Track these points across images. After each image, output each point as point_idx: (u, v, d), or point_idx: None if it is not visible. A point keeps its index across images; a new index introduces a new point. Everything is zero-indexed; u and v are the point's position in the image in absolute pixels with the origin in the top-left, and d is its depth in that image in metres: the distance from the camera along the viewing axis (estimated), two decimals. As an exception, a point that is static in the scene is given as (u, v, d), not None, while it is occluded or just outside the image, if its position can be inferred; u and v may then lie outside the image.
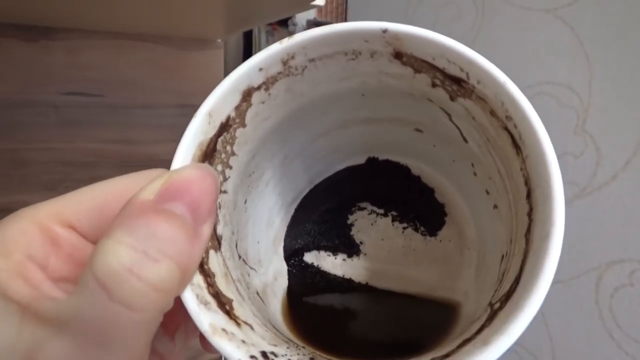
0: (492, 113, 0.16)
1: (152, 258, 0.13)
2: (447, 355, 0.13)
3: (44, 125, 0.43)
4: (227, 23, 0.44)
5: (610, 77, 0.32)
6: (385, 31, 0.16)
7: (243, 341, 0.14)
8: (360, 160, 0.26)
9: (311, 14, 1.39)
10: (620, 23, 0.31)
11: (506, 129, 0.15)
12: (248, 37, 1.39)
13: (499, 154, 0.17)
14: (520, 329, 0.12)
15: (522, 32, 0.39)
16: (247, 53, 1.40)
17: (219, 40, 0.52)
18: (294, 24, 1.38)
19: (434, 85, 0.17)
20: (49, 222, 0.16)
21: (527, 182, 0.15)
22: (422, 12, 0.52)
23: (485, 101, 0.16)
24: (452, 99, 0.17)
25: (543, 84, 0.37)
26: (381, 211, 0.26)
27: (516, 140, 0.15)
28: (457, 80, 0.16)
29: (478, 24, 0.43)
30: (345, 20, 0.65)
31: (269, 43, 1.41)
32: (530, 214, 0.14)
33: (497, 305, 0.14)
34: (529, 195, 0.15)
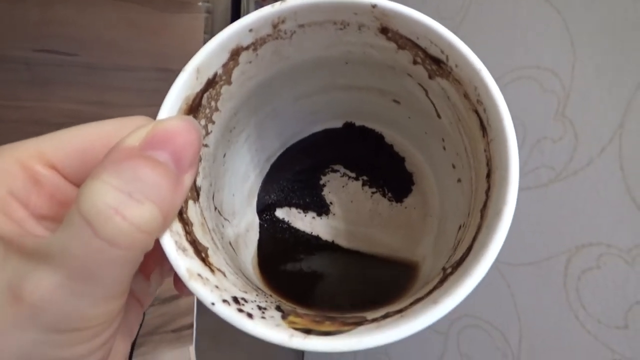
0: (466, 95, 0.17)
1: (136, 199, 0.13)
2: (401, 310, 0.15)
3: (14, 82, 0.41)
4: None
5: (593, 64, 0.32)
6: (374, 6, 0.16)
7: (216, 286, 0.15)
8: (338, 124, 0.27)
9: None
10: (607, 10, 0.31)
11: (476, 112, 0.16)
12: (237, 5, 1.33)
13: (468, 133, 0.18)
14: (466, 292, 0.14)
15: (510, 14, 0.39)
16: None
17: (200, 3, 0.51)
18: None
19: (414, 62, 0.18)
20: (30, 161, 0.16)
21: (488, 163, 0.16)
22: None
23: (461, 84, 0.17)
24: (430, 77, 0.18)
25: (527, 67, 0.38)
26: (353, 175, 0.28)
27: (484, 123, 0.16)
28: (437, 61, 0.17)
29: (467, 4, 0.43)
30: None
31: None
32: (487, 191, 0.16)
33: (449, 270, 0.16)
34: (489, 175, 0.16)
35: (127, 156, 0.14)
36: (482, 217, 0.16)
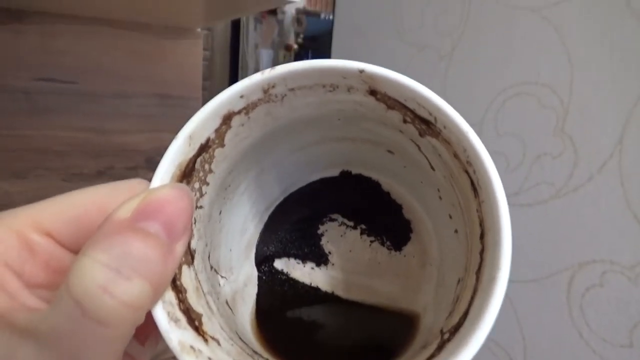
0: (455, 155, 0.17)
1: (125, 276, 0.13)
2: None
3: (14, 111, 0.41)
4: (207, 12, 0.44)
5: (591, 79, 0.32)
6: (362, 71, 0.17)
7: (209, 358, 0.15)
8: (334, 172, 0.27)
9: (300, 3, 1.38)
10: (603, 25, 0.31)
11: (467, 172, 0.16)
12: (236, 25, 1.37)
13: (461, 191, 0.18)
14: (464, 361, 0.14)
15: (508, 30, 0.39)
16: (235, 41, 1.38)
17: (199, 29, 0.52)
18: (283, 12, 1.37)
19: (405, 121, 0.18)
20: (26, 229, 0.16)
21: (481, 224, 0.16)
22: (409, 6, 0.52)
23: (450, 144, 0.17)
24: (421, 135, 0.18)
25: (525, 84, 0.37)
26: (351, 223, 0.28)
27: (475, 184, 0.16)
28: (426, 122, 0.17)
29: (464, 21, 0.43)
30: (334, 9, 0.65)
31: (257, 31, 1.39)
32: (482, 253, 0.16)
33: (446, 336, 0.15)
34: (482, 236, 0.16)
35: (117, 230, 0.14)
36: (477, 280, 0.16)
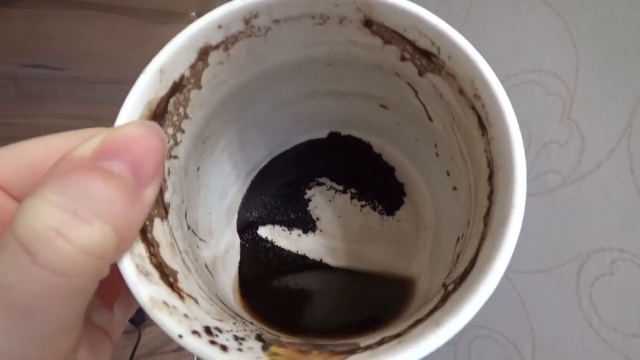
0: (461, 91, 0.15)
1: (83, 219, 0.11)
2: (398, 335, 0.13)
3: (3, 98, 0.40)
4: None
5: (597, 65, 0.32)
6: (356, -5, 0.15)
7: (185, 315, 0.13)
8: (322, 134, 0.26)
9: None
10: (608, 11, 0.30)
11: (474, 108, 0.15)
12: None
13: (464, 134, 0.16)
14: (473, 311, 0.12)
15: (512, 17, 0.38)
16: None
17: (193, 13, 0.50)
18: None
19: (403, 58, 0.16)
20: None
21: (490, 164, 0.14)
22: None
23: (455, 78, 0.15)
24: (420, 74, 0.17)
25: (530, 71, 0.37)
26: (340, 188, 0.26)
27: (483, 120, 0.14)
28: (427, 55, 0.15)
29: (466, 8, 0.42)
30: None
31: None
32: (490, 196, 0.14)
33: (450, 287, 0.14)
34: (490, 177, 0.14)
35: (74, 168, 0.12)
36: (485, 225, 0.14)
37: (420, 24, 0.15)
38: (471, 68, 0.14)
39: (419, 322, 0.13)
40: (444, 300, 0.14)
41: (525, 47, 0.37)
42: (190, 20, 0.49)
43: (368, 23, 0.16)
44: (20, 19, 0.40)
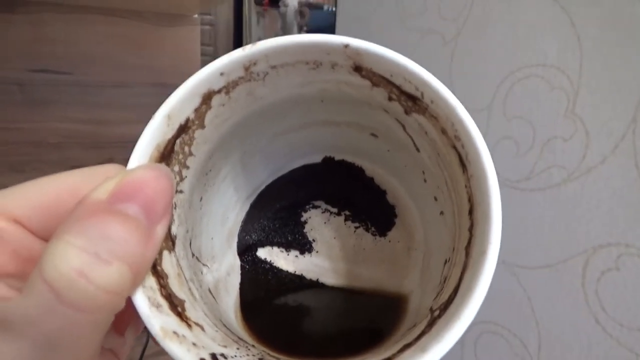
0: (443, 131, 0.16)
1: (103, 260, 0.13)
2: (388, 359, 0.14)
3: (8, 103, 0.40)
4: None
5: (601, 59, 0.31)
6: (346, 46, 0.16)
7: (194, 344, 0.15)
8: (317, 159, 0.27)
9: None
10: (612, 3, 0.30)
11: (455, 147, 0.16)
12: (239, 17, 1.35)
13: (448, 168, 0.18)
14: (456, 337, 0.13)
15: (514, 11, 0.38)
16: (238, 33, 1.36)
17: (195, 15, 0.50)
18: (285, 5, 1.34)
19: (390, 99, 0.18)
20: None
21: (470, 199, 0.16)
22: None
23: (437, 120, 0.16)
24: (406, 113, 0.18)
25: (533, 66, 0.36)
26: (335, 210, 0.27)
27: (463, 159, 0.16)
28: (413, 98, 0.17)
29: (469, 4, 0.42)
30: (336, 1, 0.64)
31: (259, 24, 1.37)
32: (471, 229, 0.15)
33: (436, 313, 0.15)
34: (471, 212, 0.16)
35: (93, 212, 0.13)
36: (467, 255, 0.15)
37: (405, 72, 0.16)
38: (451, 113, 0.15)
39: (407, 346, 0.15)
40: (430, 325, 0.15)
41: (528, 41, 0.37)
42: (192, 23, 0.50)
43: (358, 69, 0.17)
44: (24, 24, 0.41)
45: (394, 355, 0.15)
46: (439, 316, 0.15)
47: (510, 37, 0.38)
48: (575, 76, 0.33)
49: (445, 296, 0.16)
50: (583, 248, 0.33)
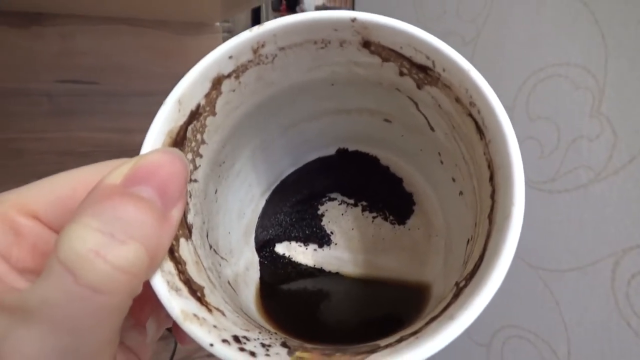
0: (457, 100, 0.16)
1: (118, 240, 0.12)
2: (415, 332, 0.14)
3: (37, 114, 0.41)
4: (224, 6, 0.43)
5: (627, 57, 0.30)
6: (354, 20, 0.16)
7: (215, 326, 0.14)
8: (331, 151, 0.27)
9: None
10: (637, 0, 0.30)
11: (470, 115, 0.16)
12: (257, 23, 1.37)
13: (464, 140, 0.17)
14: (484, 303, 0.13)
15: (536, 10, 0.37)
16: None
17: (217, 24, 0.51)
18: (302, 10, 1.36)
19: (401, 73, 0.18)
20: (11, 212, 0.15)
21: (489, 165, 0.15)
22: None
23: (451, 88, 0.16)
24: (419, 87, 0.18)
25: (557, 65, 0.35)
26: (351, 201, 0.27)
27: (480, 125, 0.15)
28: (424, 69, 0.17)
29: (489, 3, 0.41)
30: (353, 5, 0.65)
31: None
32: (493, 195, 0.15)
33: (462, 284, 0.15)
34: (491, 178, 0.15)
35: (107, 195, 0.13)
36: (490, 222, 0.15)
37: (414, 41, 0.16)
38: (464, 78, 0.15)
39: (434, 318, 0.14)
40: (456, 296, 0.14)
41: (550, 40, 0.36)
42: (214, 31, 0.51)
43: (366, 44, 0.17)
44: (53, 37, 0.42)
45: (421, 328, 0.14)
46: (465, 286, 0.14)
47: (531, 37, 0.37)
48: (601, 75, 0.32)
49: (470, 268, 0.15)
50: (612, 250, 0.32)
